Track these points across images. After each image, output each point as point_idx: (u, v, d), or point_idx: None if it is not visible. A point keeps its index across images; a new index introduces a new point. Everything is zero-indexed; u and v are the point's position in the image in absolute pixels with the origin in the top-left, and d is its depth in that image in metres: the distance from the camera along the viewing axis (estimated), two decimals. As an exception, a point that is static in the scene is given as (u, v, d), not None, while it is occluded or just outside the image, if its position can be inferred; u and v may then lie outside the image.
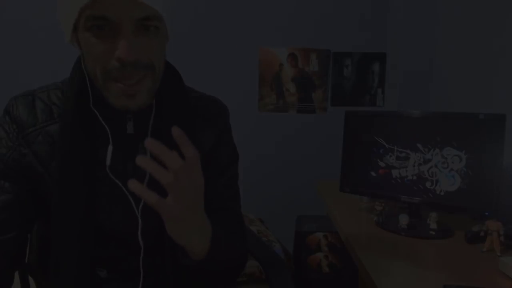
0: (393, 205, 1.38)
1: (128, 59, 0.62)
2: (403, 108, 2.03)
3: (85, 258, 0.72)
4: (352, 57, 2.31)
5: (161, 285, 0.79)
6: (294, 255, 2.09)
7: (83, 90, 0.72)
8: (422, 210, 1.24)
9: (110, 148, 0.72)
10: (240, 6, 2.26)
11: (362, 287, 1.82)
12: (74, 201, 0.71)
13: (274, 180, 2.34)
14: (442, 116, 1.20)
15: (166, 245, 0.74)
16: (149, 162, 0.55)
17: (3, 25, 2.15)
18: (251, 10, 2.26)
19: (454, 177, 1.14)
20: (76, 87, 0.72)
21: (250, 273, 1.63)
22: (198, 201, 0.62)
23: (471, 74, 1.62)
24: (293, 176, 2.35)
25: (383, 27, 2.29)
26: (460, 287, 0.82)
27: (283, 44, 2.29)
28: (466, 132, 1.12)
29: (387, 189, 1.27)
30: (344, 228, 1.23)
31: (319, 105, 2.34)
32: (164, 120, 0.76)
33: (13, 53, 2.16)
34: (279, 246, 1.85)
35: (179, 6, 2.18)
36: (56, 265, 0.72)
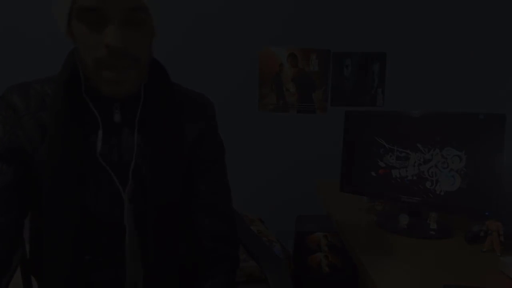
0: (393, 205, 1.38)
1: (116, 45, 0.67)
2: (403, 108, 2.03)
3: (70, 244, 0.73)
4: (352, 57, 2.31)
5: (146, 274, 0.80)
6: (294, 255, 2.08)
7: (74, 79, 0.76)
8: (422, 210, 1.24)
9: (100, 133, 0.76)
10: (240, 6, 2.26)
11: (362, 287, 1.83)
12: (63, 185, 0.73)
13: (274, 180, 2.34)
14: (442, 116, 1.19)
15: (149, 230, 0.77)
16: None
17: (2, 26, 2.15)
18: (251, 10, 2.26)
19: (454, 177, 1.14)
20: (66, 76, 0.76)
21: (250, 273, 1.62)
22: None
23: (471, 74, 1.62)
24: (293, 176, 2.34)
25: (383, 27, 2.29)
26: (460, 287, 0.82)
27: (283, 44, 2.29)
28: (466, 132, 1.12)
29: (387, 189, 1.27)
30: (344, 228, 1.23)
31: (319, 105, 2.34)
32: (149, 112, 0.80)
33: (11, 54, 2.16)
34: (279, 246, 1.85)
35: (180, 6, 2.18)
36: (48, 253, 0.74)
